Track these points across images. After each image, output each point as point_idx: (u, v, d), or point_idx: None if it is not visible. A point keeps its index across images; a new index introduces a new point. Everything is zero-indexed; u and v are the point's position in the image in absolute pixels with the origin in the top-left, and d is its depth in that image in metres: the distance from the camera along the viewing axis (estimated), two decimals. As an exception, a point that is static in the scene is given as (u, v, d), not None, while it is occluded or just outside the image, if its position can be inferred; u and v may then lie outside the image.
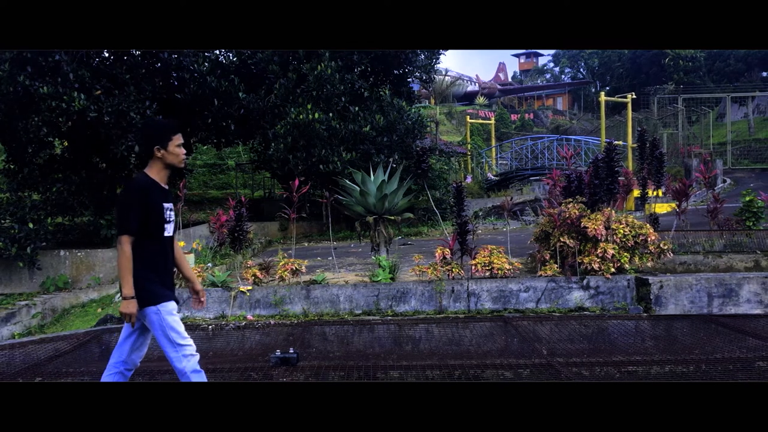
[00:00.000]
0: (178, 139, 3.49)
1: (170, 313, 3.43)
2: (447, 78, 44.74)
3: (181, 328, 3.45)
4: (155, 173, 3.49)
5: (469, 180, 25.61)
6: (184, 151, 3.56)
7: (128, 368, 3.59)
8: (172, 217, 3.58)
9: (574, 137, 28.50)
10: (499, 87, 60.25)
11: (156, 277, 3.43)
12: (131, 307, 3.30)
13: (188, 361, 3.41)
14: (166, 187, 3.57)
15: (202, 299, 3.90)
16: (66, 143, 12.40)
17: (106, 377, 3.54)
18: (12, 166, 11.56)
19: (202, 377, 3.46)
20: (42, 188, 11.64)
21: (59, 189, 11.48)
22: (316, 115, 12.84)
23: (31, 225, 10.08)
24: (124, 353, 3.55)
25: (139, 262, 3.35)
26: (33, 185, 11.57)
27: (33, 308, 9.50)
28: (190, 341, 3.47)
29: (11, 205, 10.42)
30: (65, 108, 10.02)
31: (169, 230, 3.53)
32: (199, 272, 7.36)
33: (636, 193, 9.82)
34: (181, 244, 8.23)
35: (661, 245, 7.21)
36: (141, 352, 3.63)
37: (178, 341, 3.40)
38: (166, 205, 3.49)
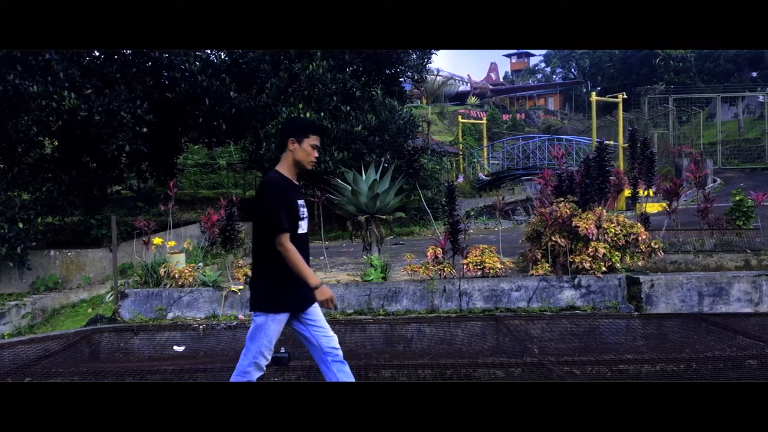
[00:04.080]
0: (315, 140, 3.45)
1: (276, 323, 3.38)
2: (439, 78, 44.76)
3: (274, 340, 3.42)
4: (286, 169, 3.45)
5: (460, 180, 25.62)
6: (317, 154, 3.50)
7: (332, 356, 3.54)
8: (305, 214, 3.52)
9: (565, 137, 28.59)
10: (490, 87, 60.26)
11: (287, 279, 3.32)
12: (326, 292, 3.27)
13: (255, 369, 3.40)
14: (297, 183, 3.53)
15: None
16: (56, 143, 12.34)
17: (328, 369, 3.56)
18: (1, 166, 11.49)
19: None
20: (32, 188, 11.59)
21: (49, 188, 11.43)
22: (308, 115, 12.81)
23: (21, 225, 10.02)
24: (319, 343, 3.53)
25: (271, 264, 3.31)
26: (23, 185, 11.51)
27: (23, 308, 9.45)
28: (270, 357, 3.44)
29: (1, 204, 10.35)
30: (55, 107, 9.97)
31: (303, 227, 3.47)
32: (189, 272, 7.33)
33: (627, 192, 9.87)
34: (172, 243, 8.20)
35: (652, 244, 7.25)
36: (328, 335, 3.55)
37: (262, 349, 3.38)
38: (299, 202, 3.46)
